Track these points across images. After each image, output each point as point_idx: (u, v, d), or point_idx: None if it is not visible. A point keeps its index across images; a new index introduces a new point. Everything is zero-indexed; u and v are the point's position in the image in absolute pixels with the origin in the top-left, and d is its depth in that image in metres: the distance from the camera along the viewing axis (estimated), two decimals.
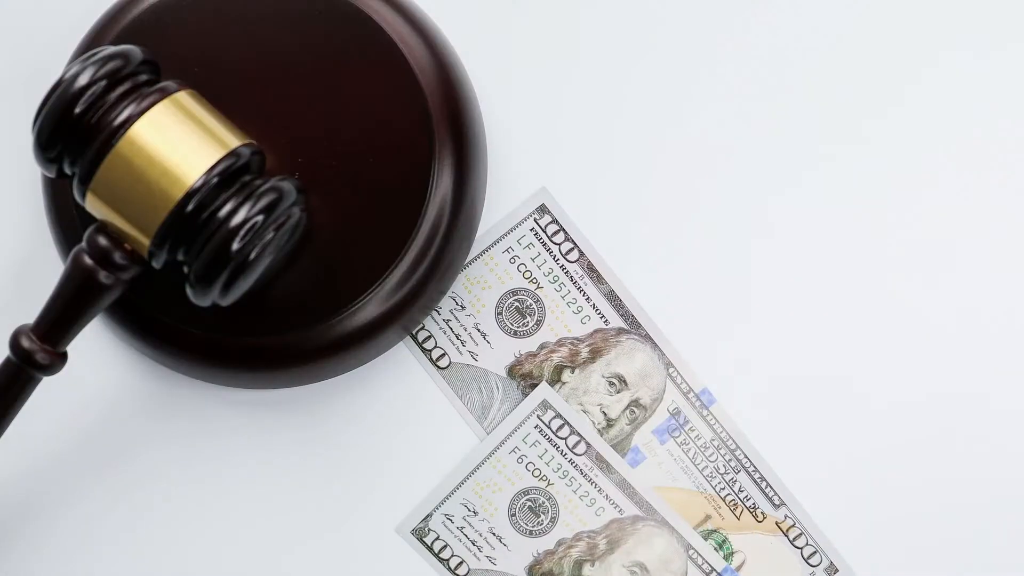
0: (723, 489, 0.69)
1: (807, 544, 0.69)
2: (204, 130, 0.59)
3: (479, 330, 0.69)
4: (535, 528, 0.69)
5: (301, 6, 0.66)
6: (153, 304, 0.65)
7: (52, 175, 0.60)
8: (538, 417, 0.69)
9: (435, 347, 0.69)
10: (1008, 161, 0.69)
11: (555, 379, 0.69)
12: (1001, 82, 0.70)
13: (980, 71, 0.70)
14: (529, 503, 0.69)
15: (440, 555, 0.69)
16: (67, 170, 0.60)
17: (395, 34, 0.66)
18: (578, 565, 0.69)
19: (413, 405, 0.69)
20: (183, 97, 0.60)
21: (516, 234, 0.70)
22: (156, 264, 0.60)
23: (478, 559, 0.69)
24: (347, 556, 0.69)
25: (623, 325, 0.69)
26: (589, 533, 0.69)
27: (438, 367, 0.69)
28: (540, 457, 0.69)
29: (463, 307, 0.70)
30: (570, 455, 0.69)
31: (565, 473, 0.69)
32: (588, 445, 0.69)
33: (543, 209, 0.70)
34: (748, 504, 0.68)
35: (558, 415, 0.69)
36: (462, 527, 0.69)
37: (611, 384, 0.69)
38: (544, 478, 0.69)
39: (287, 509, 0.69)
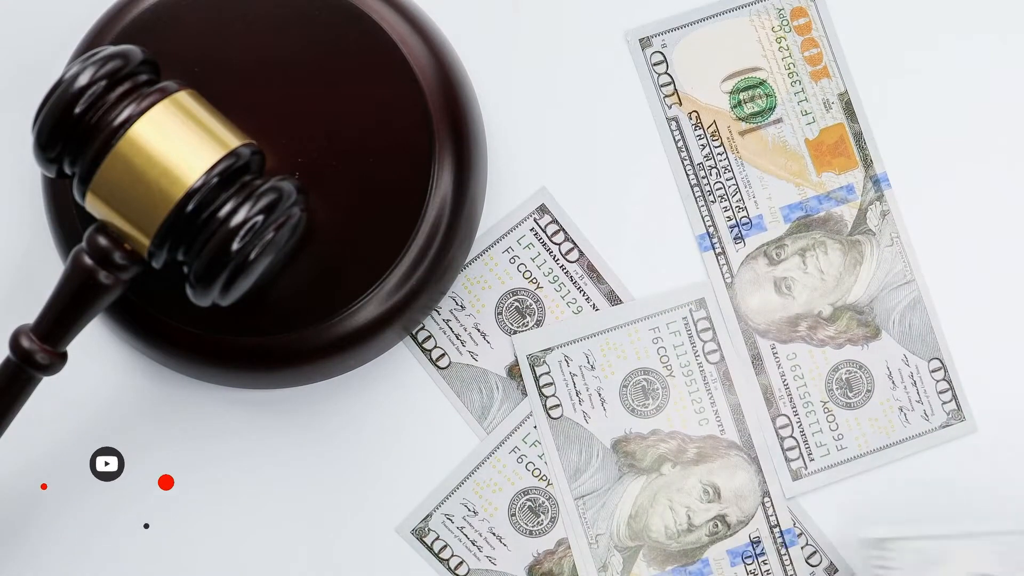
0: None
1: (807, 544, 0.69)
2: (204, 130, 0.59)
3: (479, 330, 0.69)
4: (535, 528, 0.69)
5: (301, 6, 0.66)
6: (153, 304, 0.65)
7: (52, 175, 0.60)
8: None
9: (435, 347, 0.69)
10: None
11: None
12: None
13: None
14: (529, 503, 0.69)
15: (440, 555, 0.69)
16: (67, 170, 0.60)
17: (395, 34, 0.66)
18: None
19: (413, 405, 0.69)
20: (183, 97, 0.60)
21: (516, 234, 0.70)
22: (156, 264, 0.60)
23: (478, 559, 0.69)
24: (347, 556, 0.69)
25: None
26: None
27: (438, 367, 0.69)
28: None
29: (463, 307, 0.70)
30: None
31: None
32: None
33: (543, 209, 0.70)
34: None
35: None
36: (462, 527, 0.69)
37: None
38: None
39: (287, 509, 0.69)
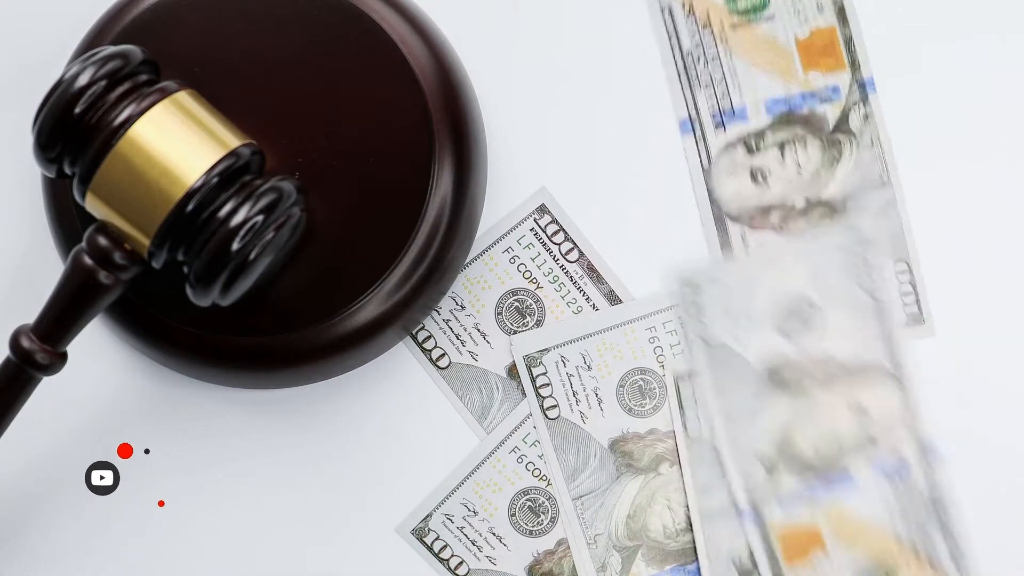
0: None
1: None
2: (204, 130, 0.60)
3: (479, 330, 0.69)
4: (535, 528, 0.69)
5: (301, 6, 0.66)
6: (153, 304, 0.65)
7: (52, 175, 0.60)
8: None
9: (435, 347, 0.69)
10: None
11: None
12: None
13: None
14: (529, 503, 0.69)
15: (440, 555, 0.69)
16: (67, 170, 0.60)
17: (395, 34, 0.66)
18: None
19: (413, 405, 0.69)
20: (183, 97, 0.60)
21: (516, 234, 0.70)
22: (156, 264, 0.60)
23: (478, 559, 0.69)
24: (347, 556, 0.69)
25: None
26: None
27: (438, 367, 0.69)
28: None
29: (463, 307, 0.70)
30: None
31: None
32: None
33: (543, 209, 0.70)
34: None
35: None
36: (462, 527, 0.69)
37: None
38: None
39: (287, 509, 0.69)
